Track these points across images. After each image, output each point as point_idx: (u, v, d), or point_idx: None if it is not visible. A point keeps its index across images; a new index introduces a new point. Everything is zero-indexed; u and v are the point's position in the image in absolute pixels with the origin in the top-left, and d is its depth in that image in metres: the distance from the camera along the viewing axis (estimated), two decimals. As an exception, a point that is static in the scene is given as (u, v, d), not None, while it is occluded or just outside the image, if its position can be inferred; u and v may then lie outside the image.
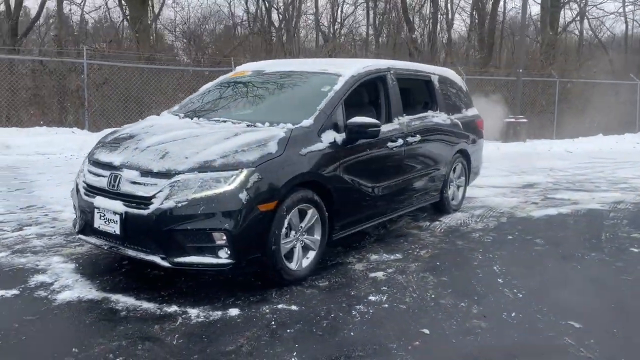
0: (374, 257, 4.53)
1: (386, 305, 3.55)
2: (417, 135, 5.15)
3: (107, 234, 3.67)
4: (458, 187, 6.28)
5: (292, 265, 3.82)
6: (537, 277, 4.16)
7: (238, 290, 3.72)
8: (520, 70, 14.61)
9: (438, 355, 2.93)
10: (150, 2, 20.62)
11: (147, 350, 2.87)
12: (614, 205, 6.89)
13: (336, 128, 4.19)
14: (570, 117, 16.34)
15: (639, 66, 20.99)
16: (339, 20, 23.24)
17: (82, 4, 17.12)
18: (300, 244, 3.90)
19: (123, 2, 19.39)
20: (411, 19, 20.56)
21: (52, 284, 3.75)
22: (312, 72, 4.74)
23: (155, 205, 3.42)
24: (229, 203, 3.39)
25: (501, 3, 20.76)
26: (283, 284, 3.78)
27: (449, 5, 22.15)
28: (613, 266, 4.48)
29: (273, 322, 3.25)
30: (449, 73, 6.38)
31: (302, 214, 3.90)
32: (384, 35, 22.83)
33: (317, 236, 4.03)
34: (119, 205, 3.56)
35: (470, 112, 6.53)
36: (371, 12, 23.31)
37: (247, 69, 5.25)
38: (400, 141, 4.87)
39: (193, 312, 3.36)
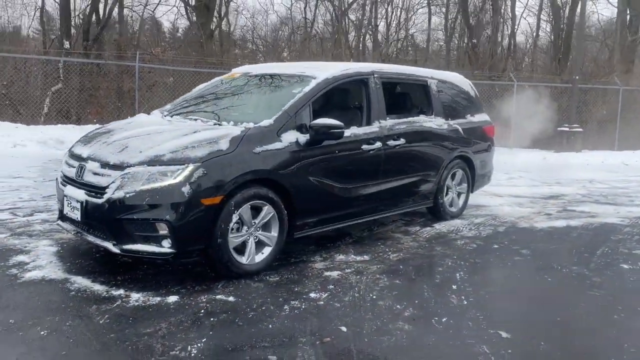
0: (340, 257, 4.58)
1: (321, 303, 3.61)
2: (401, 139, 5.13)
3: (73, 221, 3.99)
4: (459, 193, 6.16)
5: (243, 260, 3.96)
6: (495, 287, 4.05)
7: (189, 280, 3.91)
8: (577, 77, 13.91)
9: (340, 351, 2.96)
10: (215, 9, 21.50)
11: (73, 327, 3.11)
12: (636, 220, 6.47)
13: (301, 129, 4.29)
14: (636, 127, 15.33)
15: None
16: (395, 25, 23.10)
17: (143, 10, 18.15)
18: (254, 240, 4.04)
19: (190, 9, 20.36)
20: (472, 23, 20.09)
21: (27, 263, 4.11)
22: (290, 75, 4.87)
23: (107, 194, 3.68)
24: (173, 196, 3.59)
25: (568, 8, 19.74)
26: (232, 276, 3.93)
27: (514, 10, 21.41)
28: (588, 281, 4.26)
29: (202, 311, 3.41)
30: (454, 78, 6.28)
31: (258, 210, 4.04)
32: (439, 42, 22.46)
33: (274, 233, 4.14)
34: (81, 194, 3.86)
35: (478, 118, 6.38)
36: (435, 17, 22.99)
37: (238, 71, 5.46)
38: (378, 144, 4.89)
39: (135, 296, 3.58)
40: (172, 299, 3.57)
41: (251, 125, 4.09)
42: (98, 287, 3.70)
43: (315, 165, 4.36)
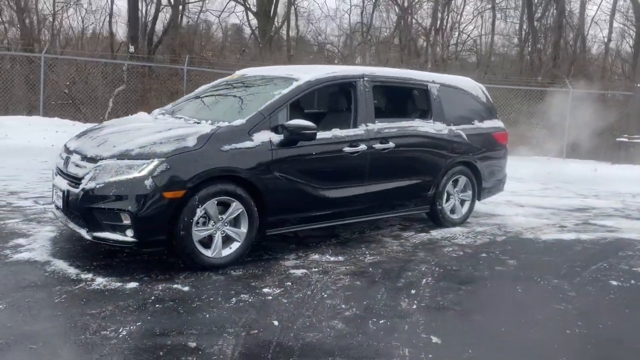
0: (315, 257, 4.65)
1: (270, 298, 3.71)
2: (391, 143, 5.12)
3: (58, 208, 4.34)
4: (462, 201, 6.03)
5: (209, 253, 4.13)
6: (455, 294, 3.97)
7: (157, 269, 4.13)
8: (639, 85, 13.08)
9: (259, 343, 3.05)
10: (276, 14, 22.05)
11: (31, 302, 3.40)
12: (659, 237, 6.06)
13: (276, 129, 4.41)
14: None
15: None
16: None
17: (197, 16, 18.94)
18: (222, 234, 4.20)
19: (250, 14, 21.01)
20: (537, 26, 19.33)
21: (23, 246, 4.50)
22: (277, 77, 5.00)
23: (82, 185, 3.98)
24: (136, 188, 3.83)
25: None
26: (197, 268, 4.11)
27: (583, 13, 20.36)
28: (560, 295, 4.08)
29: (153, 297, 3.61)
30: (463, 83, 6.16)
31: (227, 206, 4.20)
32: (505, 47, 21.74)
33: (244, 229, 4.29)
34: (64, 184, 4.19)
35: (488, 124, 6.22)
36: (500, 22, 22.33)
37: (238, 73, 5.67)
38: (362, 147, 4.91)
39: (99, 280, 3.84)
40: (132, 285, 3.80)
41: (222, 124, 4.27)
42: (71, 270, 4.00)
43: (291, 165, 4.47)
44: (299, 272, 4.25)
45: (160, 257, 4.39)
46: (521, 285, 4.23)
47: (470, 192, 6.06)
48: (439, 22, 21.14)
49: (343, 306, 3.63)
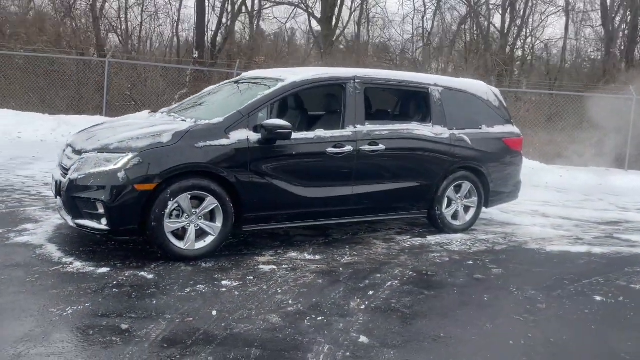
0: (292, 254, 4.73)
1: (224, 290, 3.84)
2: (381, 145, 5.10)
3: (54, 196, 4.70)
4: (467, 207, 5.86)
5: (181, 245, 4.32)
6: (413, 298, 3.90)
7: (134, 257, 4.38)
8: None
9: (187, 330, 3.17)
10: (338, 20, 22.24)
11: (5, 279, 3.74)
12: (685, 255, 5.58)
13: (255, 128, 4.54)
14: None
15: None
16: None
17: (255, 20, 19.45)
18: (195, 228, 4.38)
19: (313, 20, 21.34)
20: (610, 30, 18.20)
21: (28, 230, 4.91)
22: (267, 78, 5.13)
23: (68, 175, 4.31)
24: (110, 179, 4.10)
25: None
26: (170, 258, 4.31)
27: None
28: (528, 306, 3.90)
29: (115, 282, 3.84)
30: (471, 86, 5.99)
31: (202, 201, 4.37)
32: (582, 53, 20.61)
33: (218, 224, 4.44)
34: (58, 174, 4.55)
35: (498, 129, 6.01)
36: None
37: (243, 75, 5.85)
38: (348, 148, 4.93)
39: (76, 264, 4.14)
40: (103, 270, 4.06)
41: (201, 122, 4.45)
42: (56, 254, 4.33)
43: (269, 163, 4.58)
44: (267, 267, 4.35)
45: (144, 247, 4.65)
46: (491, 294, 4.09)
47: (475, 199, 5.87)
48: (507, 26, 20.45)
49: (290, 302, 3.69)
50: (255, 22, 21.23)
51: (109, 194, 4.08)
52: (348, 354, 3.00)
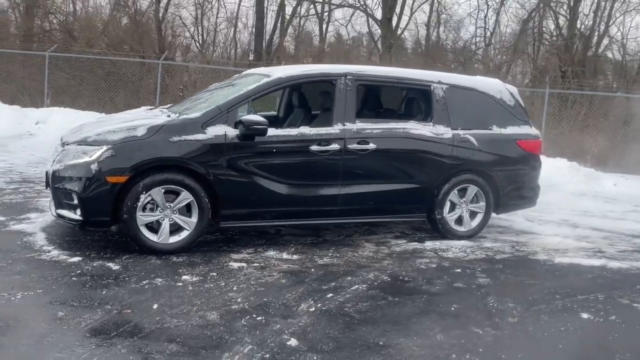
0: (270, 253, 4.64)
1: (179, 284, 3.82)
2: (371, 144, 4.90)
3: (45, 187, 4.90)
4: (472, 212, 5.51)
5: (155, 238, 4.36)
6: (370, 304, 3.70)
7: (111, 249, 4.46)
8: None
9: (120, 321, 3.17)
10: (396, 21, 21.90)
11: (-17, 263, 3.94)
12: None
13: (235, 124, 4.50)
14: None
15: None
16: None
17: (300, 25, 19.47)
18: (170, 222, 4.40)
19: (372, 20, 21.14)
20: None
21: (29, 219, 5.15)
22: (257, 74, 5.08)
23: (53, 166, 4.47)
24: (84, 171, 4.20)
25: None
26: (143, 251, 4.36)
27: None
28: (497, 319, 3.58)
29: (79, 271, 3.92)
30: (481, 84, 5.62)
31: (177, 195, 4.39)
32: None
33: (194, 219, 4.44)
34: (49, 166, 4.73)
35: (511, 130, 5.61)
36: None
37: (247, 71, 5.83)
38: (334, 146, 4.78)
39: (53, 252, 4.27)
40: (74, 259, 4.16)
41: (178, 116, 4.47)
42: (41, 243, 4.50)
43: (247, 160, 4.52)
44: (237, 265, 4.29)
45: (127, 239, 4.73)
46: (461, 304, 3.80)
47: (483, 204, 5.51)
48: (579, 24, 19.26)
49: (239, 300, 3.61)
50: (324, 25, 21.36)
51: (82, 185, 4.19)
52: (267, 356, 2.89)
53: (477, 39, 21.09)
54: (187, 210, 4.44)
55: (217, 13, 18.78)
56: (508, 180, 5.57)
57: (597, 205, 8.29)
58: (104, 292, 3.60)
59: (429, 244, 5.25)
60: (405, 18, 22.28)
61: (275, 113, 6.07)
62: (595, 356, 3.25)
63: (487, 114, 5.56)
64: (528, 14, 19.66)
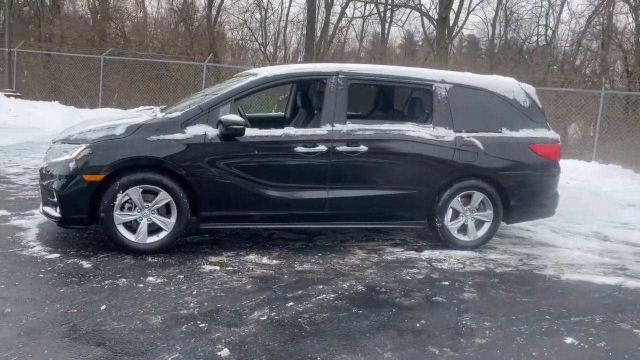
0: (250, 257, 4.51)
1: (140, 285, 3.77)
2: (362, 146, 4.67)
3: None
4: (478, 221, 5.13)
5: (132, 237, 4.34)
6: (329, 315, 3.48)
7: (92, 247, 4.49)
8: None
9: (61, 320, 3.15)
10: (457, 20, 21.24)
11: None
12: None
13: (217, 124, 4.42)
14: None
15: None
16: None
17: (347, 27, 19.13)
18: (148, 221, 4.37)
19: (426, 20, 20.63)
20: None
21: (31, 215, 5.29)
22: (247, 74, 4.97)
23: (41, 164, 4.56)
24: (63, 169, 4.25)
25: None
26: (121, 250, 4.36)
27: None
28: (462, 339, 3.26)
29: (49, 268, 3.96)
30: (491, 83, 5.22)
31: (156, 195, 4.36)
32: None
33: (172, 219, 4.39)
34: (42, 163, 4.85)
35: (524, 133, 5.18)
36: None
37: (245, 71, 5.76)
38: (321, 148, 4.59)
39: (36, 248, 4.36)
40: (52, 256, 4.22)
41: (157, 116, 4.44)
42: (29, 238, 4.60)
43: (229, 160, 4.42)
44: (209, 268, 4.20)
45: (114, 238, 4.75)
46: (430, 320, 3.50)
47: (490, 212, 5.12)
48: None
49: (191, 305, 3.50)
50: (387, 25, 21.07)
51: (61, 183, 4.24)
52: (190, 365, 2.76)
53: (542, 37, 20.04)
54: (167, 211, 4.40)
55: (265, 14, 18.95)
56: (519, 187, 5.15)
57: (644, 216, 7.56)
58: (61, 290, 3.60)
59: (426, 254, 4.94)
60: (462, 17, 21.62)
61: (284, 114, 5.97)
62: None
63: (496, 116, 5.17)
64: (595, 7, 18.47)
